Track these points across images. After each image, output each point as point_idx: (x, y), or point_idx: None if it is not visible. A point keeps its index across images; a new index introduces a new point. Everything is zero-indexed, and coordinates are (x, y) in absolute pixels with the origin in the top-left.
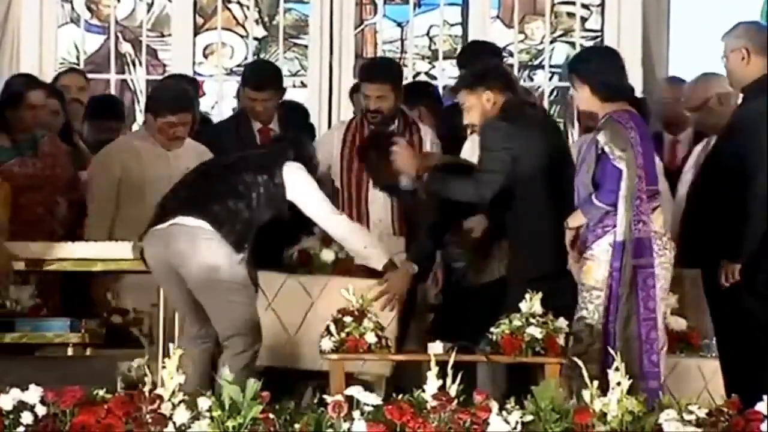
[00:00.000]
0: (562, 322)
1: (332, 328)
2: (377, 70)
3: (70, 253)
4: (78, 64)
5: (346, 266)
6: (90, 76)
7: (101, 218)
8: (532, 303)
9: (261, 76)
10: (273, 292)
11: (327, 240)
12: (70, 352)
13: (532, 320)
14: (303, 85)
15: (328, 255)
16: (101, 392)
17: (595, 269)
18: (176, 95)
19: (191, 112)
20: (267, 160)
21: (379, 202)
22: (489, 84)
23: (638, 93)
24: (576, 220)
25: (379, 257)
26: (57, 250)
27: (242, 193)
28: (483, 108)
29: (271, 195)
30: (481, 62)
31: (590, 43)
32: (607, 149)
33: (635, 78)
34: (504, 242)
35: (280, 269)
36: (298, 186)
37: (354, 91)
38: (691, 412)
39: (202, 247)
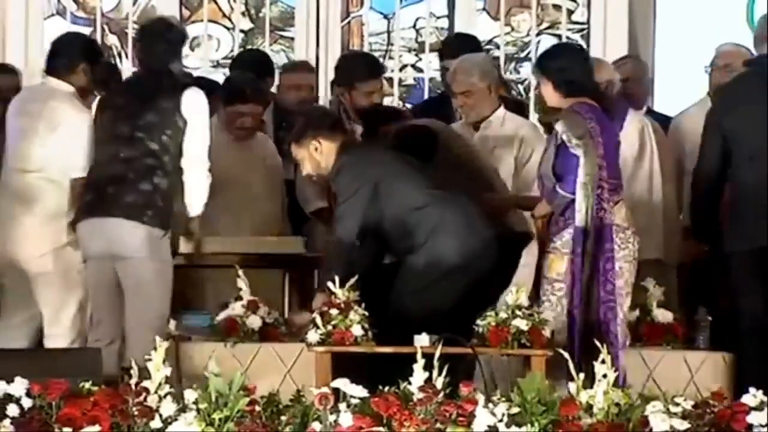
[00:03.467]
0: (548, 314)
1: (318, 320)
2: (378, 65)
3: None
4: None
5: (273, 332)
6: None
7: None
8: (517, 295)
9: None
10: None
11: (253, 305)
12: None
13: (518, 312)
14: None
15: (254, 321)
16: (87, 385)
17: (557, 262)
18: (246, 84)
19: (261, 104)
20: (165, 106)
21: None
22: (314, 132)
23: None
24: (541, 209)
25: (197, 210)
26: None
27: (153, 166)
28: (312, 157)
29: (177, 142)
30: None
31: (576, 36)
32: (564, 137)
33: None
34: None
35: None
36: (196, 109)
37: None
38: (677, 404)
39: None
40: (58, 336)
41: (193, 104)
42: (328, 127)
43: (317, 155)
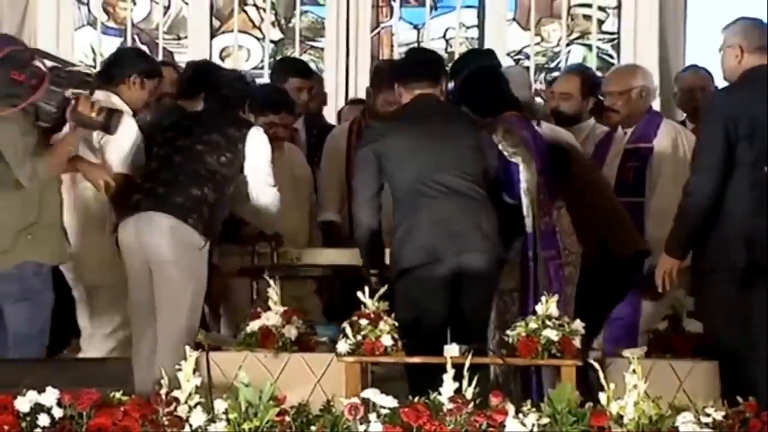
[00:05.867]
0: (578, 324)
1: (348, 330)
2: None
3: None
4: (95, 67)
5: (308, 342)
6: None
7: None
8: (548, 305)
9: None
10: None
11: (287, 315)
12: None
13: (548, 323)
14: None
15: (291, 331)
16: (117, 394)
17: (509, 272)
18: (278, 95)
19: (293, 114)
20: (232, 132)
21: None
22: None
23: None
24: None
25: (274, 227)
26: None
27: (206, 177)
28: None
29: (234, 168)
30: None
31: (607, 46)
32: (500, 147)
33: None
34: None
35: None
36: (260, 150)
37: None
38: (708, 415)
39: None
40: (94, 348)
41: (260, 143)
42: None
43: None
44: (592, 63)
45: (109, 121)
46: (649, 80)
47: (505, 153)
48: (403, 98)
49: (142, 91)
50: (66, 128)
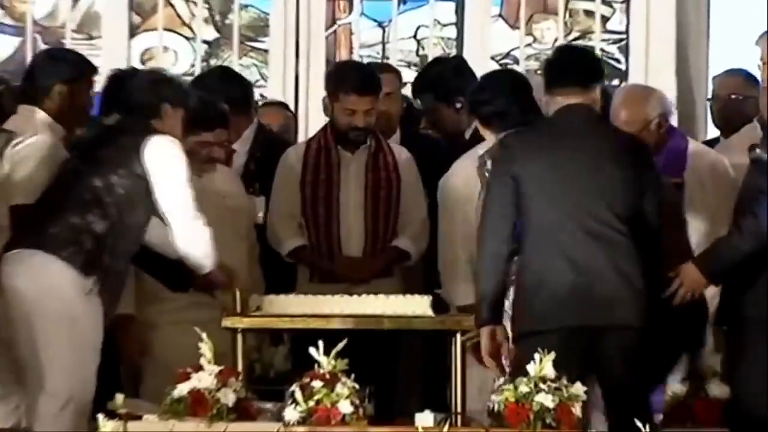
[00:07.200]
0: (578, 388)
1: (298, 395)
2: (371, 80)
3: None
4: None
5: (249, 408)
6: None
7: None
8: (542, 365)
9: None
10: None
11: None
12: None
13: (542, 386)
14: (263, 97)
15: (228, 396)
16: None
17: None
18: (210, 108)
19: (227, 128)
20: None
21: (353, 235)
22: None
23: (673, 102)
24: None
25: (212, 264)
26: (340, 305)
27: (90, 202)
28: None
29: (133, 188)
30: None
31: (612, 47)
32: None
33: (667, 87)
34: None
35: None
36: (162, 161)
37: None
38: None
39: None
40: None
41: (162, 151)
42: None
43: None
44: None
45: None
46: (665, 103)
47: None
48: (549, 109)
49: (73, 99)
50: None
